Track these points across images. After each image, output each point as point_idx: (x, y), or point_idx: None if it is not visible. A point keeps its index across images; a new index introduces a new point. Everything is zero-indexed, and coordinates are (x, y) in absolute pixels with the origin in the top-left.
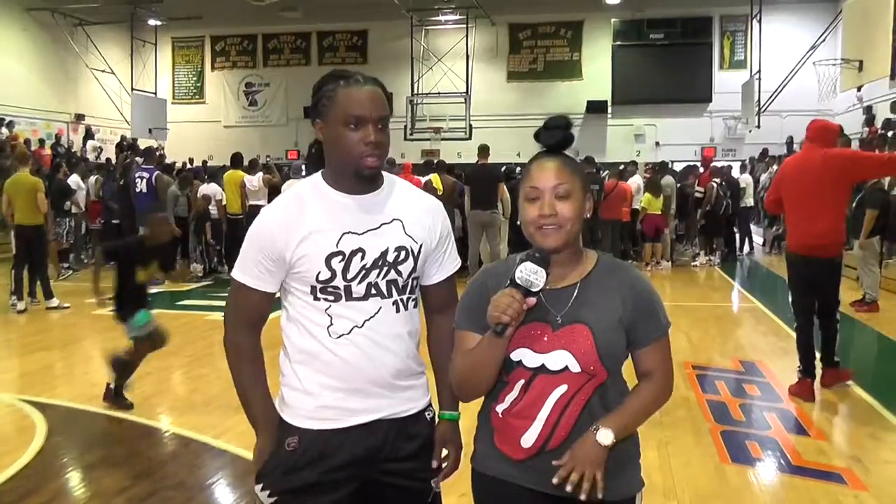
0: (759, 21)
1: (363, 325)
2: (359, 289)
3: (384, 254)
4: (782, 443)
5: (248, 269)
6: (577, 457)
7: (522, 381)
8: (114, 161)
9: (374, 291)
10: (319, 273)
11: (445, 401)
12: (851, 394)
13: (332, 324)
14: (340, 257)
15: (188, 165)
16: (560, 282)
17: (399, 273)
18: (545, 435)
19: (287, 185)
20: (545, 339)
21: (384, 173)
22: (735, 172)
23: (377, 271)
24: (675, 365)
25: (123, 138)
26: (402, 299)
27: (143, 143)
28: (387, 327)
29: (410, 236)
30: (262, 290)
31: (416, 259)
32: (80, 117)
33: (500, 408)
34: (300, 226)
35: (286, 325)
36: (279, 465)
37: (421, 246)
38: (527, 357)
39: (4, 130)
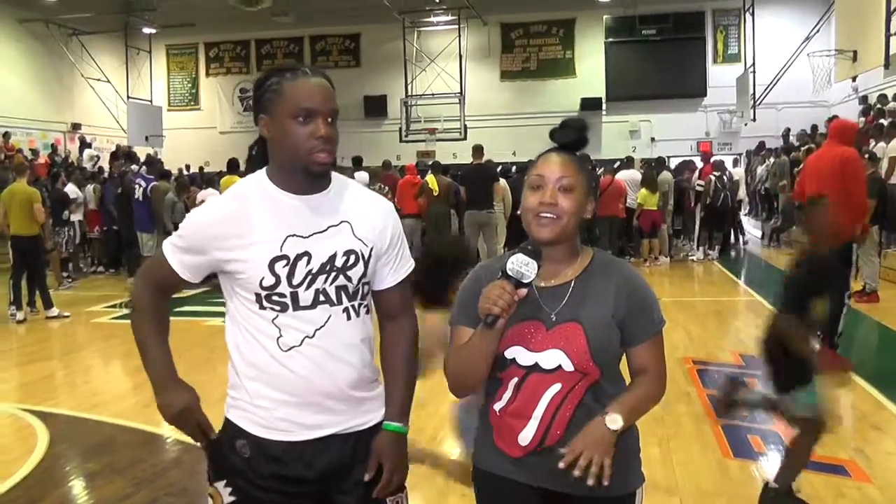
0: (752, 14)
1: (314, 335)
2: (306, 296)
3: (332, 258)
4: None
5: (177, 256)
6: (586, 441)
7: (516, 380)
8: (108, 169)
9: (322, 298)
10: (263, 279)
11: (394, 411)
12: (853, 385)
13: (281, 335)
14: (285, 262)
15: (185, 172)
16: (555, 279)
17: (348, 278)
18: (541, 432)
19: None
20: (539, 337)
21: (333, 173)
22: (728, 166)
23: (325, 276)
24: (675, 360)
25: (118, 147)
26: (352, 305)
27: (139, 151)
28: (339, 336)
29: (360, 239)
30: (180, 276)
31: (366, 263)
32: (76, 126)
33: (497, 406)
34: (241, 226)
35: (232, 332)
36: (233, 466)
37: (371, 249)
38: (520, 355)
39: (0, 141)
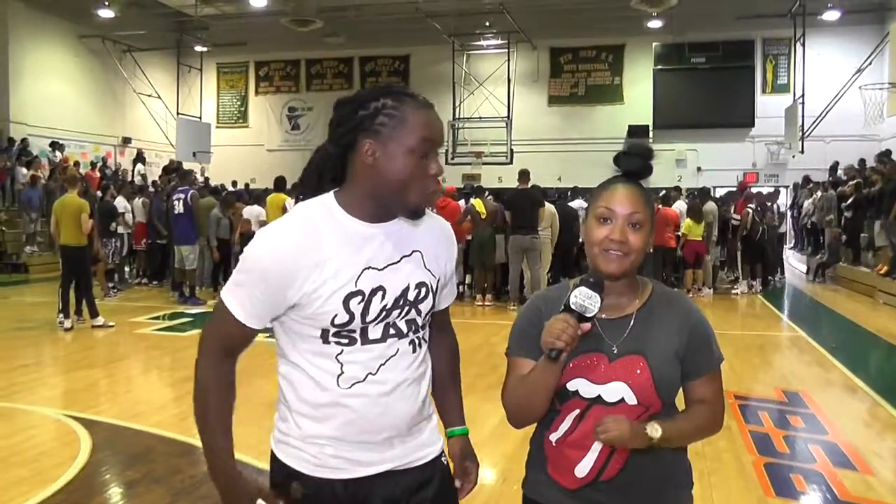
0: (803, 44)
1: (377, 371)
2: (375, 330)
3: (405, 291)
4: (828, 477)
5: (241, 300)
6: (620, 425)
7: (578, 411)
8: (158, 183)
9: (392, 332)
10: (336, 316)
11: (453, 417)
12: None
13: (342, 372)
14: (360, 297)
15: (230, 188)
16: (616, 311)
17: (419, 311)
18: (599, 465)
19: None
20: (602, 369)
21: None
22: (782, 198)
23: (398, 311)
24: None
25: (171, 162)
26: (418, 337)
27: (187, 167)
28: (402, 371)
29: (429, 270)
30: (248, 326)
31: (434, 295)
32: (126, 140)
33: (553, 436)
34: (315, 259)
35: (286, 370)
36: None
37: (439, 280)
38: (583, 387)
39: (57, 154)
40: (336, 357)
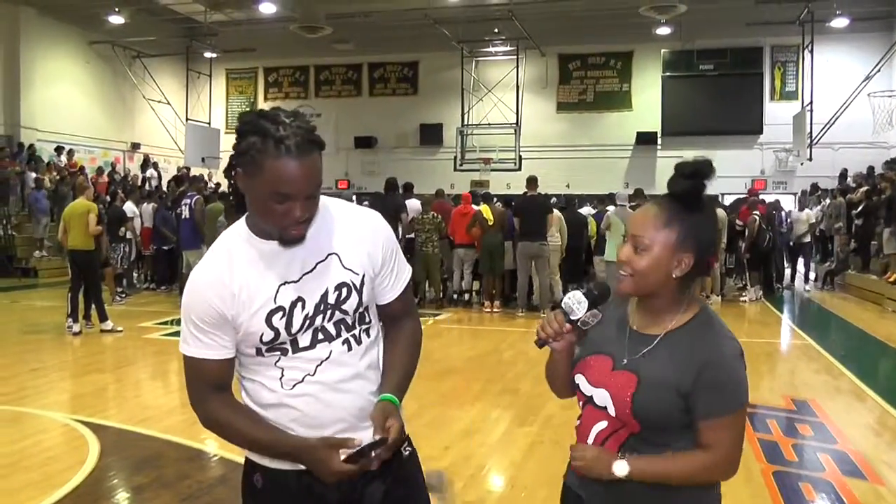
0: (811, 51)
1: (315, 372)
2: (304, 338)
3: (324, 296)
4: (838, 486)
5: (191, 341)
6: (588, 454)
7: (581, 403)
8: (164, 189)
9: (321, 337)
10: (262, 335)
11: (387, 386)
12: None
13: (283, 375)
14: (281, 313)
15: None
16: (648, 328)
17: (344, 312)
18: None
19: None
20: (601, 373)
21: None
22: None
23: (321, 316)
24: None
25: (179, 169)
26: (353, 335)
27: (196, 172)
28: (340, 369)
29: (349, 269)
30: (214, 359)
31: (359, 292)
32: (135, 146)
33: (577, 423)
34: (229, 290)
35: (242, 380)
36: (256, 499)
37: (363, 276)
38: (582, 384)
39: (64, 158)
40: (275, 363)
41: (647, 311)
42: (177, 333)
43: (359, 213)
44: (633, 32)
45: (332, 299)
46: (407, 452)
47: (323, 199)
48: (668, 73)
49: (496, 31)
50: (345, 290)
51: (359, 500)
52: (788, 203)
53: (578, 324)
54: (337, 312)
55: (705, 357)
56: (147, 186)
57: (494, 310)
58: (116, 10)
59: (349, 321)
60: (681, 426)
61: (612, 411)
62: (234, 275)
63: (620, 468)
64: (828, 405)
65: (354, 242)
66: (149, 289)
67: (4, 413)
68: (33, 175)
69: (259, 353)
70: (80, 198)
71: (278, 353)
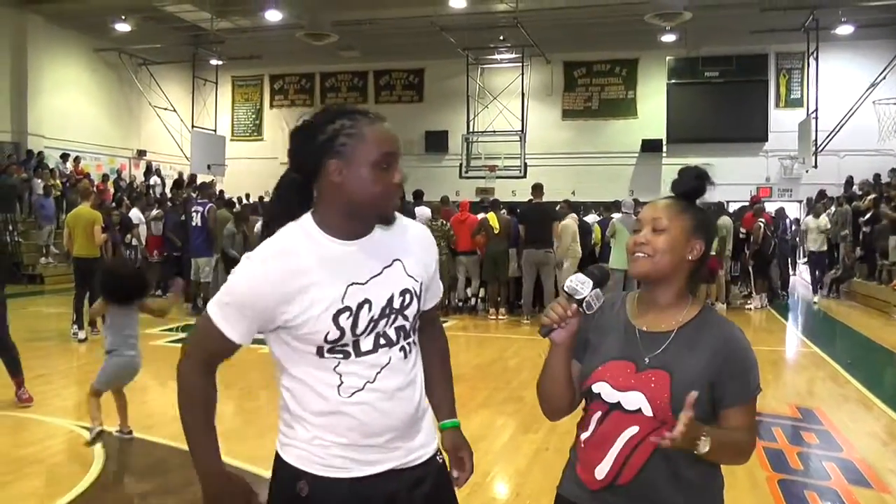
0: (816, 58)
1: (375, 379)
2: (367, 342)
3: (390, 300)
4: (843, 494)
5: (227, 317)
6: (690, 426)
7: (599, 414)
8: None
9: (382, 342)
10: (328, 333)
11: (445, 411)
12: None
13: (342, 382)
14: (348, 313)
15: (244, 201)
16: (657, 325)
17: (406, 318)
18: (615, 470)
19: None
20: (626, 377)
21: None
22: (795, 213)
23: (385, 320)
24: None
25: (180, 174)
26: (408, 343)
27: (201, 179)
28: (398, 376)
29: (412, 276)
30: (235, 342)
31: (419, 299)
32: (141, 153)
33: (583, 436)
34: (297, 285)
35: (288, 383)
36: None
37: (421, 284)
38: (605, 391)
39: (70, 165)
40: (334, 369)
41: (652, 310)
42: (181, 340)
43: (414, 224)
44: (638, 40)
45: (396, 304)
46: (441, 460)
47: None
48: (673, 81)
49: (502, 38)
50: (408, 297)
51: None
52: (793, 210)
53: (583, 305)
54: (399, 318)
55: (727, 346)
56: (152, 194)
57: (500, 317)
58: (123, 17)
59: (408, 328)
60: (703, 418)
61: (648, 412)
62: (303, 273)
63: (704, 444)
64: (833, 413)
65: (414, 250)
66: (154, 295)
67: (9, 419)
68: (40, 182)
69: (320, 352)
70: (84, 203)
71: (340, 355)
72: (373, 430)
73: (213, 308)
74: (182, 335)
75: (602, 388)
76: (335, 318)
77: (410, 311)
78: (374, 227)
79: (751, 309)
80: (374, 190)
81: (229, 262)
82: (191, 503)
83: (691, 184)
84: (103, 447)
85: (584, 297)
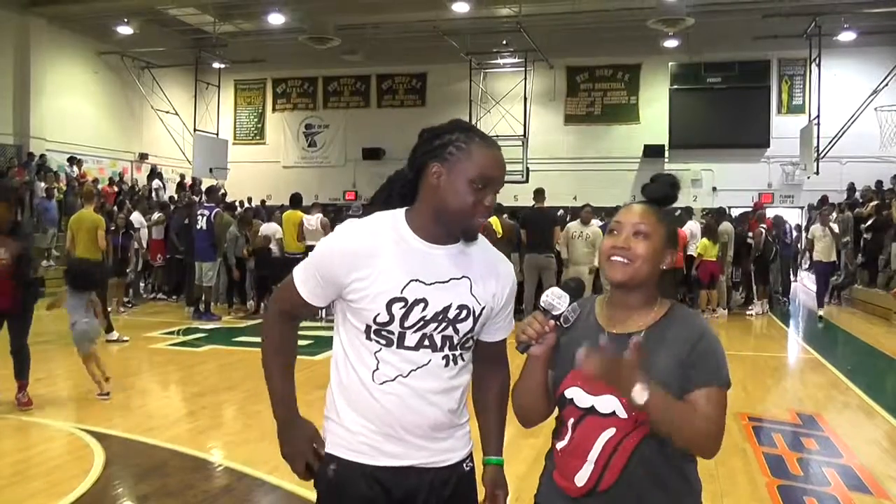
0: (818, 65)
1: (408, 374)
2: (412, 338)
3: (446, 309)
4: (842, 500)
5: (306, 278)
6: (612, 365)
7: (573, 420)
8: (175, 198)
9: (427, 343)
10: (378, 315)
11: (492, 446)
12: None
13: (377, 368)
14: (402, 304)
15: (246, 204)
16: (625, 327)
17: (456, 330)
18: (596, 476)
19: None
20: (598, 381)
21: None
22: (797, 219)
23: (435, 325)
24: (731, 415)
25: (182, 177)
26: (453, 354)
27: (205, 183)
28: (432, 380)
29: (475, 296)
30: (312, 303)
31: (475, 320)
32: (143, 156)
33: (559, 445)
34: (368, 262)
35: (336, 349)
36: (328, 487)
37: (483, 308)
38: (578, 396)
39: (74, 169)
40: (375, 353)
41: (621, 311)
42: (183, 344)
43: (497, 253)
44: (640, 45)
45: (451, 314)
46: (468, 468)
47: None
48: (675, 86)
49: (504, 43)
50: (464, 312)
51: None
52: (795, 217)
53: (560, 319)
54: (450, 328)
55: (695, 333)
56: (154, 197)
57: None
58: (126, 20)
59: (455, 340)
60: None
61: (622, 414)
62: (374, 256)
63: (640, 394)
64: (834, 419)
65: (487, 276)
66: (157, 299)
67: (10, 422)
68: (42, 185)
69: (367, 333)
70: (86, 207)
71: (384, 341)
72: (399, 423)
73: (299, 266)
74: (182, 338)
75: (575, 394)
76: (389, 304)
77: (463, 327)
78: (457, 240)
79: (752, 315)
80: (464, 203)
81: (230, 267)
82: None
83: (665, 191)
84: (103, 450)
85: (562, 313)
